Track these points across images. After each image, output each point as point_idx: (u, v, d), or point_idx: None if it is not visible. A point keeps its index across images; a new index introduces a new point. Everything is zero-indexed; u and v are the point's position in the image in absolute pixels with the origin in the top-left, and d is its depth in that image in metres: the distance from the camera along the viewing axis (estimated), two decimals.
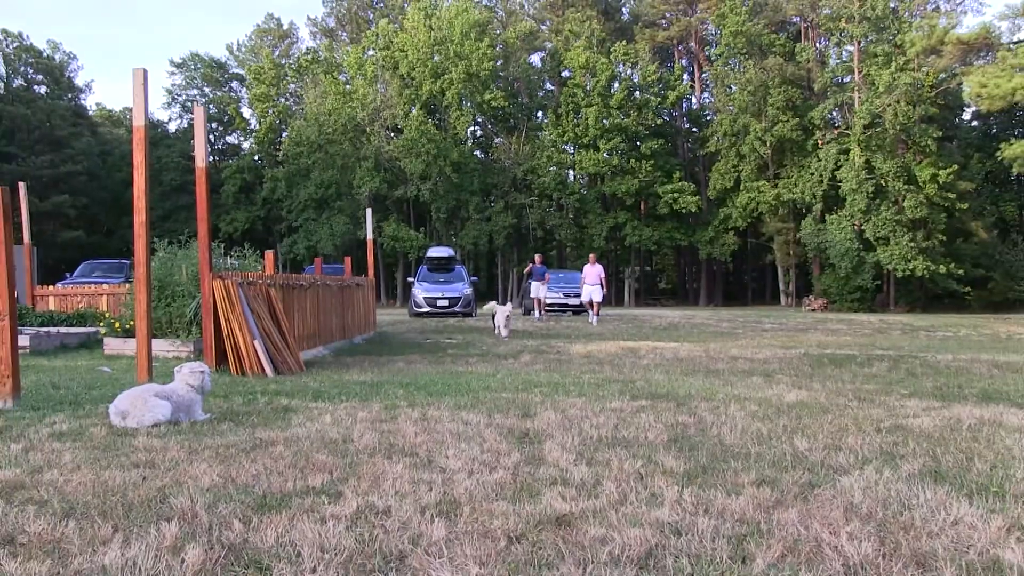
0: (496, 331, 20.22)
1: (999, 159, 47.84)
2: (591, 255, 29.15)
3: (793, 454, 5.52)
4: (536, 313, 27.98)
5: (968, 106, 53.87)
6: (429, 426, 6.54)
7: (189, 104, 69.87)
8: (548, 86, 66.20)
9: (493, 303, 21.76)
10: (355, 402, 7.93)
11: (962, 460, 5.33)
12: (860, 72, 51.88)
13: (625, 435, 6.19)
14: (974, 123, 60.30)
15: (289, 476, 4.74)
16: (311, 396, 8.42)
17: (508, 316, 19.68)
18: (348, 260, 22.24)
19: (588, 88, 58.63)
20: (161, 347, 12.96)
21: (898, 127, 48.49)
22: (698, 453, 5.51)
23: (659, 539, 3.63)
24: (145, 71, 9.67)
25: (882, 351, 16.18)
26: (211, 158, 70.08)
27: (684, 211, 58.94)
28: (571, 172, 61.98)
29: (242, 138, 72.46)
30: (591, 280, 26.94)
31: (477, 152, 63.97)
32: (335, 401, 8.04)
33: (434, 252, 36.34)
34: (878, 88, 48.89)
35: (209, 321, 11.12)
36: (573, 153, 60.43)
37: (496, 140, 62.89)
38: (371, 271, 22.64)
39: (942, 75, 50.41)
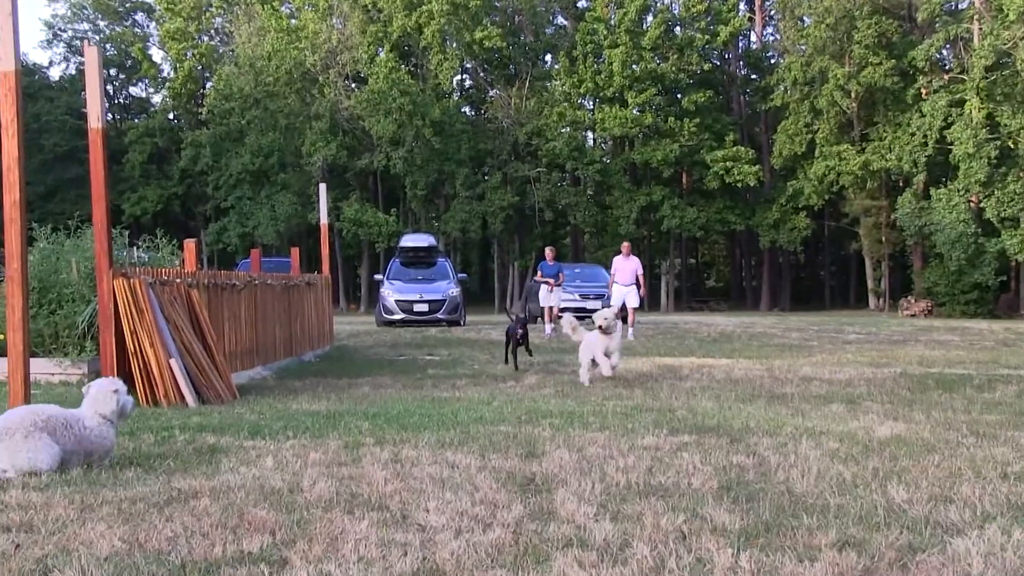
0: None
1: None
2: (624, 244, 27.54)
3: (887, 507, 5.51)
4: (546, 327, 26.29)
5: None
6: (403, 470, 6.54)
7: (78, 43, 69.77)
8: (560, 21, 66.38)
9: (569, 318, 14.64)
10: (305, 439, 7.93)
11: None
12: None
13: (662, 481, 6.20)
14: None
15: (217, 539, 4.71)
16: (247, 432, 8.42)
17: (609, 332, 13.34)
18: (296, 252, 22.27)
19: (613, 23, 58.69)
20: (43, 368, 12.95)
21: None
22: (759, 505, 5.51)
23: None
24: None
25: (1009, 370, 16.14)
26: (110, 116, 69.96)
27: (740, 185, 59.05)
28: (590, 135, 62.06)
29: (152, 90, 72.55)
30: (624, 278, 25.32)
31: (466, 109, 64.19)
32: (279, 438, 8.03)
33: (409, 241, 36.39)
34: (1007, 15, 48.42)
35: (109, 334, 11.11)
36: (593, 110, 60.51)
37: (491, 93, 63.07)
38: (326, 266, 22.65)
39: None
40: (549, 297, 26.72)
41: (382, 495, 5.76)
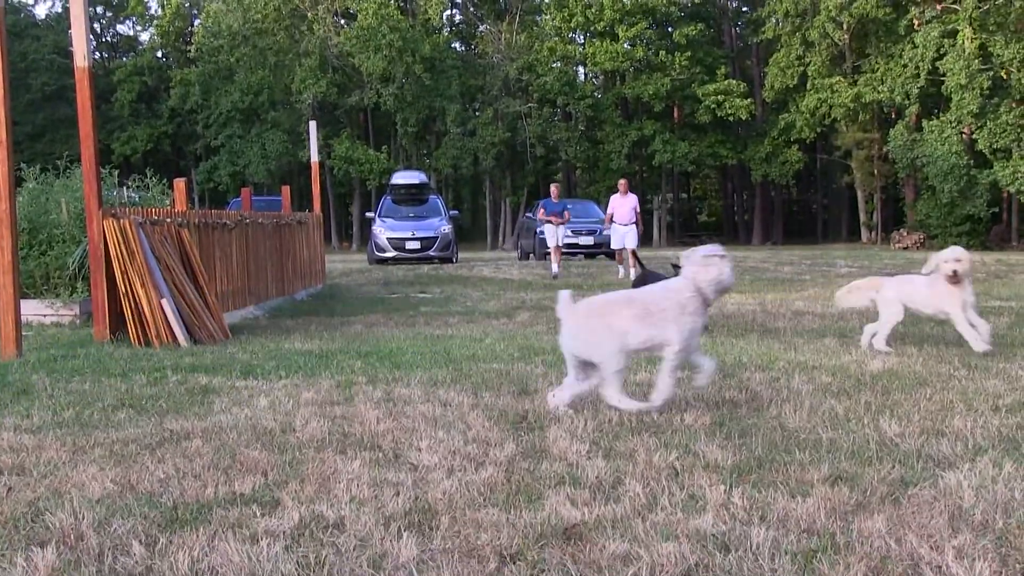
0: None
1: None
2: (621, 182, 25.99)
3: (879, 441, 5.53)
4: (554, 267, 25.20)
5: None
6: (396, 409, 6.53)
7: None
8: None
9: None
10: (298, 379, 7.93)
11: None
12: None
13: (655, 418, 6.19)
14: None
15: (209, 480, 4.71)
16: (239, 372, 8.43)
17: None
18: (287, 190, 22.21)
19: None
20: (35, 310, 12.98)
21: None
22: (751, 441, 5.52)
23: (700, 556, 3.63)
24: None
25: (1001, 302, 16.19)
26: (97, 55, 69.44)
27: (732, 119, 58.85)
28: (581, 70, 61.76)
29: (139, 27, 71.91)
30: (623, 216, 24.34)
31: (456, 44, 63.77)
32: (271, 378, 8.04)
33: (401, 178, 36.35)
34: None
35: (100, 274, 11.07)
36: (583, 44, 60.18)
37: (481, 28, 62.65)
38: (317, 204, 22.60)
39: None
40: (555, 235, 25.60)
41: (374, 434, 5.75)
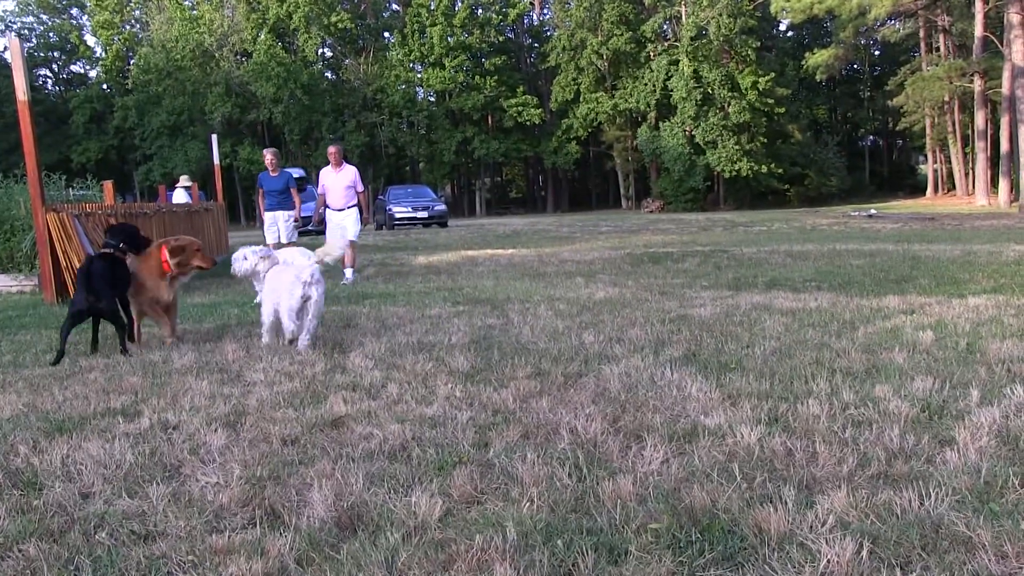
0: None
1: (804, 67, 50.33)
2: (331, 149, 13.37)
3: (577, 347, 5.72)
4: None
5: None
6: (251, 343, 6.45)
7: (25, 32, 65.02)
8: (394, 7, 64.67)
9: None
10: (188, 325, 7.84)
11: (720, 343, 5.69)
12: None
13: (431, 339, 6.26)
14: (789, 33, 62.19)
15: (93, 400, 4.64)
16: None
17: None
18: (195, 186, 21.62)
19: (432, 8, 57.58)
20: (2, 282, 12.45)
21: (721, 38, 49.66)
22: (491, 352, 5.63)
23: (416, 431, 3.74)
24: None
25: (700, 247, 16.68)
26: (57, 88, 66.19)
27: (528, 123, 59.08)
28: (419, 90, 61.16)
29: (88, 67, 68.23)
30: (336, 199, 12.86)
31: (328, 74, 62.33)
32: None
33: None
34: (702, 2, 49.82)
35: (46, 254, 10.70)
36: (421, 72, 59.59)
37: (345, 61, 61.35)
38: (219, 196, 22.04)
39: None
40: (277, 230, 13.63)
41: (228, 362, 5.71)
